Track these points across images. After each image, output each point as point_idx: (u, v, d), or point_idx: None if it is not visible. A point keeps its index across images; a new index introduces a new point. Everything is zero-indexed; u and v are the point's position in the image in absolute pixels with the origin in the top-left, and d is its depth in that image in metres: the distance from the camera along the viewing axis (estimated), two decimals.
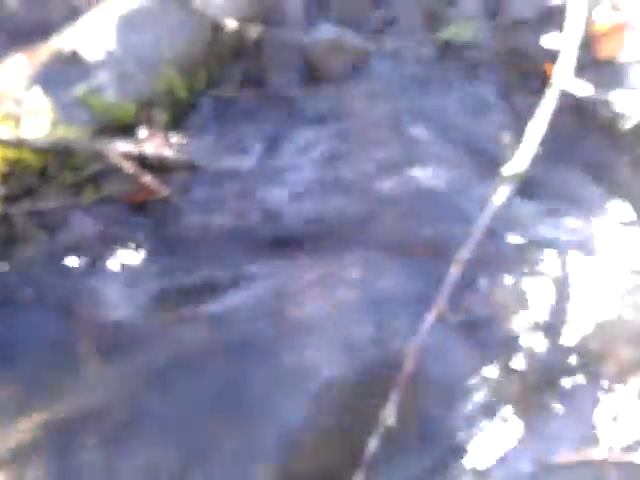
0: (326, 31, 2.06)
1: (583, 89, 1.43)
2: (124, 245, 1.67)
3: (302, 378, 1.35)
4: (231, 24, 1.95)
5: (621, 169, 1.74)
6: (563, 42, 1.53)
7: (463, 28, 2.00)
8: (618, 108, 1.68)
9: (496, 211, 1.27)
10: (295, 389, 1.34)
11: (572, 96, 1.66)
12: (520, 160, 1.30)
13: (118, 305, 1.60)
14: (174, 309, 1.54)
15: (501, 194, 1.26)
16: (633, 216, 1.65)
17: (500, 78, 1.87)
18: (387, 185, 1.70)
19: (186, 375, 1.41)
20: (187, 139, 1.88)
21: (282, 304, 1.49)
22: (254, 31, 1.98)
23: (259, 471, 1.27)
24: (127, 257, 1.65)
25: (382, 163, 1.77)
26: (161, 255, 1.63)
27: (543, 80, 1.72)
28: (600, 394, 1.29)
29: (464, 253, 1.22)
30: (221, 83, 2.03)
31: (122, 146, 1.76)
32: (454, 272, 1.21)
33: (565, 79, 1.42)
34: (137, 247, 1.67)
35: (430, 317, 1.19)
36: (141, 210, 1.76)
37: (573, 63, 1.46)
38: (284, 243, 1.65)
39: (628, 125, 1.74)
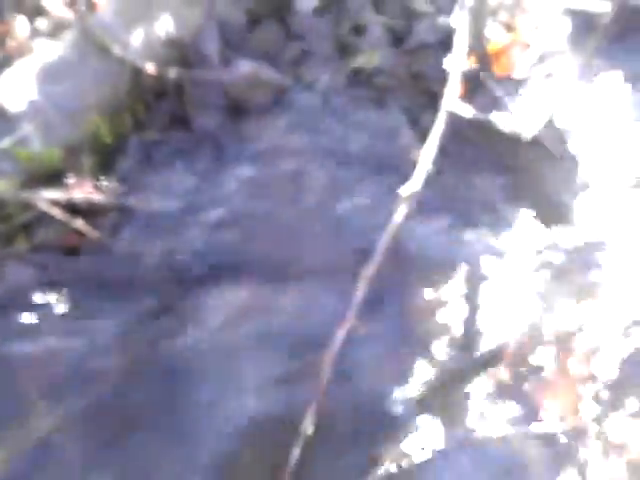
0: (243, 67, 2.16)
1: (467, 110, 1.56)
2: (58, 290, 1.72)
3: (225, 397, 1.44)
4: (150, 68, 2.04)
5: (523, 176, 1.88)
6: (450, 66, 1.66)
7: (371, 56, 2.12)
8: (515, 123, 1.82)
9: (400, 227, 1.37)
10: (219, 408, 1.43)
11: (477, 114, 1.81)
12: (415, 180, 1.41)
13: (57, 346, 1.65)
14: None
15: (401, 212, 1.36)
16: (536, 221, 1.79)
17: (407, 101, 2.00)
18: (307, 214, 1.81)
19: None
20: (115, 182, 1.95)
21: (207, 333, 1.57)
22: (173, 73, 2.06)
23: None
24: (61, 301, 1.70)
25: (303, 195, 1.88)
26: (92, 297, 1.69)
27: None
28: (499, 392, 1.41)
29: (370, 269, 1.32)
30: (147, 125, 2.11)
31: (50, 194, 1.82)
32: (361, 288, 1.30)
33: (452, 101, 1.55)
34: (71, 291, 1.73)
35: (341, 331, 1.28)
36: (74, 254, 1.82)
37: (458, 86, 1.59)
38: (211, 277, 1.74)
39: (528, 137, 1.89)
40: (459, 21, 1.76)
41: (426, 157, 1.43)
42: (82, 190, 1.86)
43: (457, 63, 1.61)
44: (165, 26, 2.15)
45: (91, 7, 2.14)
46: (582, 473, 1.32)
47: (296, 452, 1.24)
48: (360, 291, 1.30)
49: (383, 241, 1.35)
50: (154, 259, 1.82)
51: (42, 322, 1.69)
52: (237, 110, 2.14)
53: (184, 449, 1.41)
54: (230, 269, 1.76)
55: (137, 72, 2.08)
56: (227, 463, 1.36)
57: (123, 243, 1.83)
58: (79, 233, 1.80)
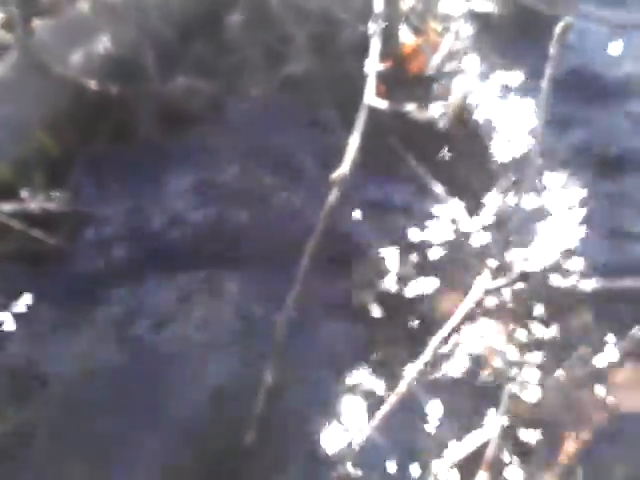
0: (179, 79, 2.31)
1: (384, 105, 1.78)
2: (21, 298, 1.83)
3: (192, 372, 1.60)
4: (92, 83, 2.16)
5: (439, 161, 2.12)
6: (368, 67, 1.88)
7: (298, 63, 2.32)
8: (429, 115, 2.06)
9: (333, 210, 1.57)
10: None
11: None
12: (344, 167, 1.61)
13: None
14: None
15: (333, 195, 1.56)
16: (452, 201, 2.01)
17: (335, 101, 2.20)
18: (249, 210, 1.98)
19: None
20: (67, 192, 2.06)
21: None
22: (114, 88, 2.19)
23: None
24: (25, 308, 1.81)
25: (246, 194, 2.05)
26: (55, 299, 1.81)
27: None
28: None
29: (309, 249, 1.52)
30: (92, 138, 2.22)
31: (6, 206, 1.92)
32: (301, 270, 1.49)
33: (371, 97, 1.76)
34: (35, 297, 1.83)
35: (289, 302, 1.47)
36: (35, 263, 1.92)
37: (373, 83, 1.81)
38: (162, 275, 1.88)
39: (442, 128, 2.12)
40: (373, 27, 1.97)
41: (352, 147, 1.63)
42: (37, 201, 1.96)
43: (373, 65, 1.83)
44: (103, 44, 2.28)
45: (29, 29, 2.25)
46: None
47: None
48: (302, 270, 1.48)
49: (320, 222, 1.54)
50: (109, 259, 1.95)
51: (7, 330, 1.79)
52: (177, 120, 2.29)
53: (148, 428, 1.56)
54: (179, 267, 1.91)
55: (79, 88, 2.19)
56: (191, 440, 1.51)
57: (79, 248, 1.95)
58: (38, 242, 1.90)
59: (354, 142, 1.65)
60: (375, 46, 1.85)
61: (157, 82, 2.31)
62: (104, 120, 2.25)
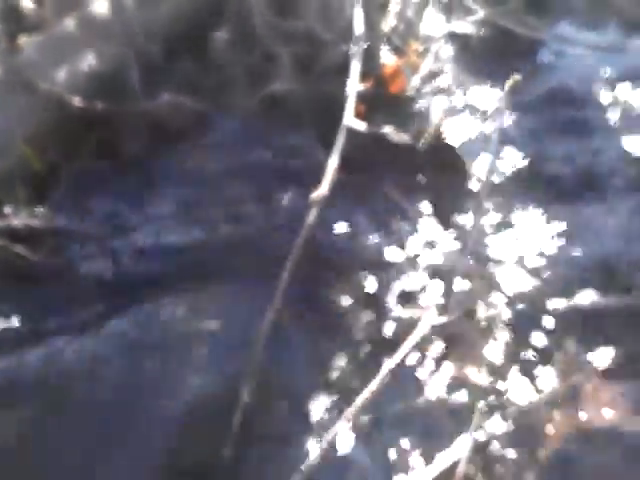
0: (165, 97, 2.34)
1: (362, 125, 1.83)
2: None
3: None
4: (76, 100, 2.19)
5: (420, 181, 2.16)
6: (348, 88, 1.92)
7: (282, 81, 2.36)
8: (406, 137, 2.11)
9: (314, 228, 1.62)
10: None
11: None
12: (324, 187, 1.65)
13: None
14: None
15: (314, 213, 1.60)
16: (433, 220, 2.06)
17: (317, 121, 2.24)
18: (232, 228, 2.02)
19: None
20: (51, 209, 2.08)
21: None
22: (99, 105, 2.22)
23: None
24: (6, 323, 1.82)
25: (228, 211, 2.09)
26: (36, 316, 1.82)
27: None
28: None
29: (288, 267, 1.55)
30: (77, 155, 2.25)
31: None
32: (282, 284, 1.53)
33: (350, 118, 1.81)
34: (16, 313, 1.85)
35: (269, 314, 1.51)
36: (17, 279, 1.94)
37: (353, 104, 1.86)
38: (145, 291, 1.91)
39: (422, 146, 2.17)
40: (354, 49, 2.02)
41: (332, 167, 1.67)
42: (20, 217, 1.98)
43: (353, 85, 1.87)
44: (88, 61, 2.31)
45: (15, 45, 2.27)
46: None
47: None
48: (281, 287, 1.52)
49: (299, 241, 1.58)
50: (91, 280, 1.97)
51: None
52: (161, 137, 2.32)
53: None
54: (162, 285, 1.94)
55: (64, 105, 2.22)
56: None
57: (63, 264, 1.97)
58: (21, 257, 1.92)
59: (333, 163, 1.69)
60: (355, 68, 1.89)
61: (142, 99, 2.35)
62: (88, 137, 2.27)
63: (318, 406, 1.60)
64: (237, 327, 1.76)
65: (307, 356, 1.68)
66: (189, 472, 1.52)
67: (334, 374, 1.65)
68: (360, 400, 1.50)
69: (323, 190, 1.62)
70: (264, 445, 1.55)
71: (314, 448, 1.52)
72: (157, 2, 2.48)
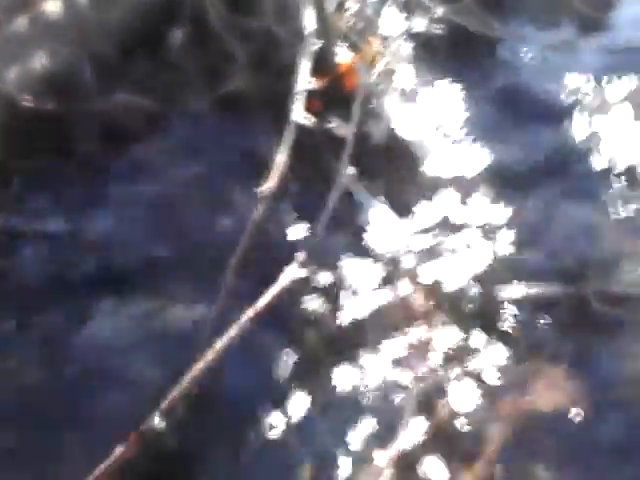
0: (119, 96, 2.33)
1: (311, 120, 1.83)
2: None
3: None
4: (27, 99, 2.16)
5: (375, 177, 2.17)
6: (299, 85, 1.93)
7: (237, 80, 2.36)
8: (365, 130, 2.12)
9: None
10: None
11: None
12: (271, 181, 1.65)
13: None
14: None
15: (260, 209, 1.60)
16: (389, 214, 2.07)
17: (270, 117, 2.24)
18: (187, 224, 2.01)
19: None
20: (5, 209, 2.06)
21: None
22: (51, 104, 2.20)
23: None
24: None
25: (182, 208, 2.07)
26: None
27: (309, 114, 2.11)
28: None
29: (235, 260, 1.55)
30: (30, 155, 2.22)
31: None
32: (229, 277, 1.52)
33: (299, 113, 1.81)
34: None
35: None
36: None
37: (302, 100, 1.86)
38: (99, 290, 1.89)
39: (379, 141, 2.18)
40: (304, 46, 2.03)
41: (279, 162, 1.67)
42: None
43: (301, 83, 1.88)
44: (41, 61, 2.29)
45: None
46: None
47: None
48: (227, 280, 1.51)
49: (246, 233, 1.58)
50: (45, 280, 1.95)
51: None
52: (116, 136, 2.30)
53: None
54: (115, 284, 1.92)
55: (17, 105, 2.19)
56: None
57: (17, 264, 1.95)
58: None
59: (281, 157, 1.68)
60: (305, 65, 1.89)
61: (96, 99, 2.33)
62: (43, 136, 2.25)
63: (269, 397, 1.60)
64: (187, 325, 1.75)
65: (255, 352, 1.67)
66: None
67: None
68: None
69: (271, 184, 1.62)
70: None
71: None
72: (112, 2, 2.47)
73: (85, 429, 1.61)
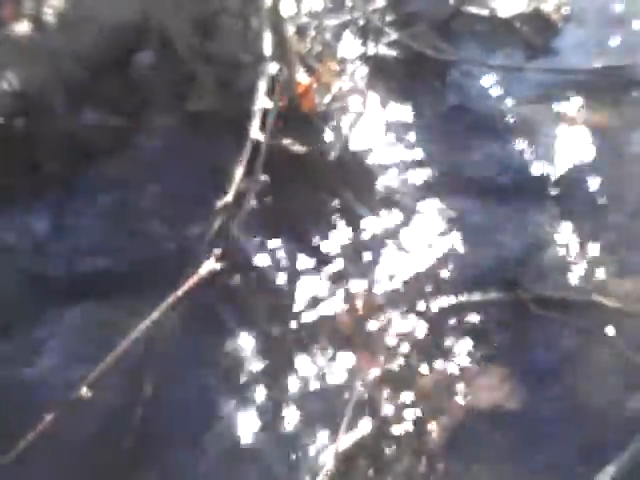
0: (87, 115, 2.42)
1: (266, 138, 1.96)
2: None
3: None
4: None
5: (329, 191, 2.29)
6: (256, 105, 2.05)
7: (204, 99, 2.47)
8: (320, 148, 2.25)
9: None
10: None
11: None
12: (229, 196, 1.77)
13: None
14: None
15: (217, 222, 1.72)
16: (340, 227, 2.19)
17: (234, 136, 2.35)
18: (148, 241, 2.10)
19: None
20: None
21: None
22: (20, 123, 2.28)
23: None
24: None
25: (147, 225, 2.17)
26: None
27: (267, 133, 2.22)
28: None
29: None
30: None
31: None
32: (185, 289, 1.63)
33: (257, 131, 1.94)
34: None
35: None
36: None
37: (258, 119, 1.99)
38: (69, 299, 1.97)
39: (332, 157, 2.32)
40: (263, 69, 2.16)
41: (237, 178, 1.79)
42: None
43: (259, 102, 2.00)
44: (10, 80, 2.37)
45: None
46: None
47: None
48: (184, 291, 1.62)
49: (203, 248, 1.69)
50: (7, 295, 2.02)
51: None
52: (84, 154, 2.39)
53: None
54: (86, 292, 2.00)
55: None
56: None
57: None
58: None
59: (238, 173, 1.80)
60: (263, 87, 2.02)
61: (65, 118, 2.42)
62: (10, 154, 2.32)
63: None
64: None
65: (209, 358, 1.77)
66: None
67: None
68: None
69: (228, 199, 1.73)
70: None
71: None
72: (81, 23, 2.57)
73: None
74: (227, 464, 1.61)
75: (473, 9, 3.06)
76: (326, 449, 1.61)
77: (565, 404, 1.75)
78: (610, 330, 1.87)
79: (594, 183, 2.29)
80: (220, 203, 1.76)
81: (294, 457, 1.62)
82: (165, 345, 1.73)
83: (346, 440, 1.58)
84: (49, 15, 2.47)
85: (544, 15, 3.11)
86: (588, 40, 2.98)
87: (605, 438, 1.65)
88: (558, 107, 2.63)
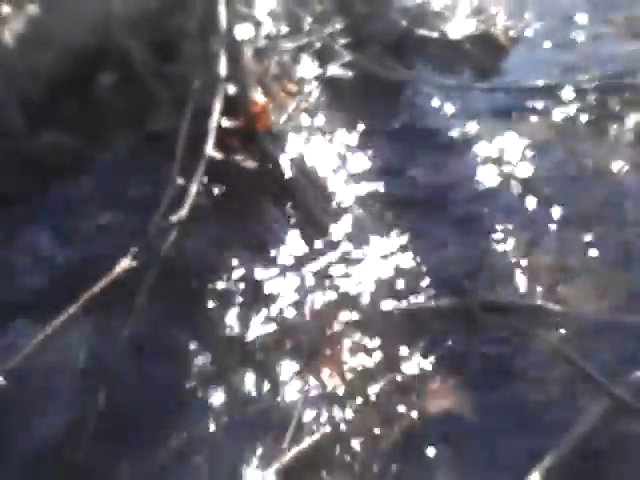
0: (46, 135, 2.46)
1: (219, 155, 2.03)
2: None
3: None
4: None
5: (289, 205, 2.36)
6: (213, 124, 2.12)
7: (160, 120, 2.53)
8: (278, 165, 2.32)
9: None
10: None
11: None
12: (182, 210, 1.83)
13: None
14: None
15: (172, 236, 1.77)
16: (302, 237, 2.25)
17: (190, 154, 2.40)
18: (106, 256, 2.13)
19: None
20: None
21: None
22: None
23: None
24: None
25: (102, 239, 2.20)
26: None
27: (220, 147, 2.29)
28: None
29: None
30: None
31: None
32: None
33: (210, 149, 2.00)
34: None
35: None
36: None
37: (212, 137, 2.05)
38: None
39: (286, 174, 2.40)
40: (219, 89, 2.23)
41: (191, 193, 1.85)
42: None
43: (212, 121, 2.07)
44: None
45: None
46: None
47: None
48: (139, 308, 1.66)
49: (158, 259, 1.73)
50: None
51: None
52: (43, 174, 2.41)
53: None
54: (38, 308, 2.01)
55: None
56: None
57: None
58: None
59: (193, 188, 1.86)
60: (216, 105, 2.09)
61: (23, 138, 2.45)
62: None
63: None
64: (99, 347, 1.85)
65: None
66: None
67: None
68: None
69: (182, 213, 1.79)
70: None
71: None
72: (41, 44, 2.61)
73: None
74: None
75: (424, 31, 3.19)
76: (271, 460, 1.64)
77: (512, 408, 1.80)
78: (555, 334, 1.94)
79: (538, 194, 2.40)
80: (175, 217, 1.81)
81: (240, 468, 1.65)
82: (115, 362, 1.75)
83: (293, 450, 1.61)
84: (8, 36, 2.51)
85: (492, 37, 3.26)
86: (533, 60, 3.14)
87: (550, 440, 1.70)
88: (505, 123, 2.76)
